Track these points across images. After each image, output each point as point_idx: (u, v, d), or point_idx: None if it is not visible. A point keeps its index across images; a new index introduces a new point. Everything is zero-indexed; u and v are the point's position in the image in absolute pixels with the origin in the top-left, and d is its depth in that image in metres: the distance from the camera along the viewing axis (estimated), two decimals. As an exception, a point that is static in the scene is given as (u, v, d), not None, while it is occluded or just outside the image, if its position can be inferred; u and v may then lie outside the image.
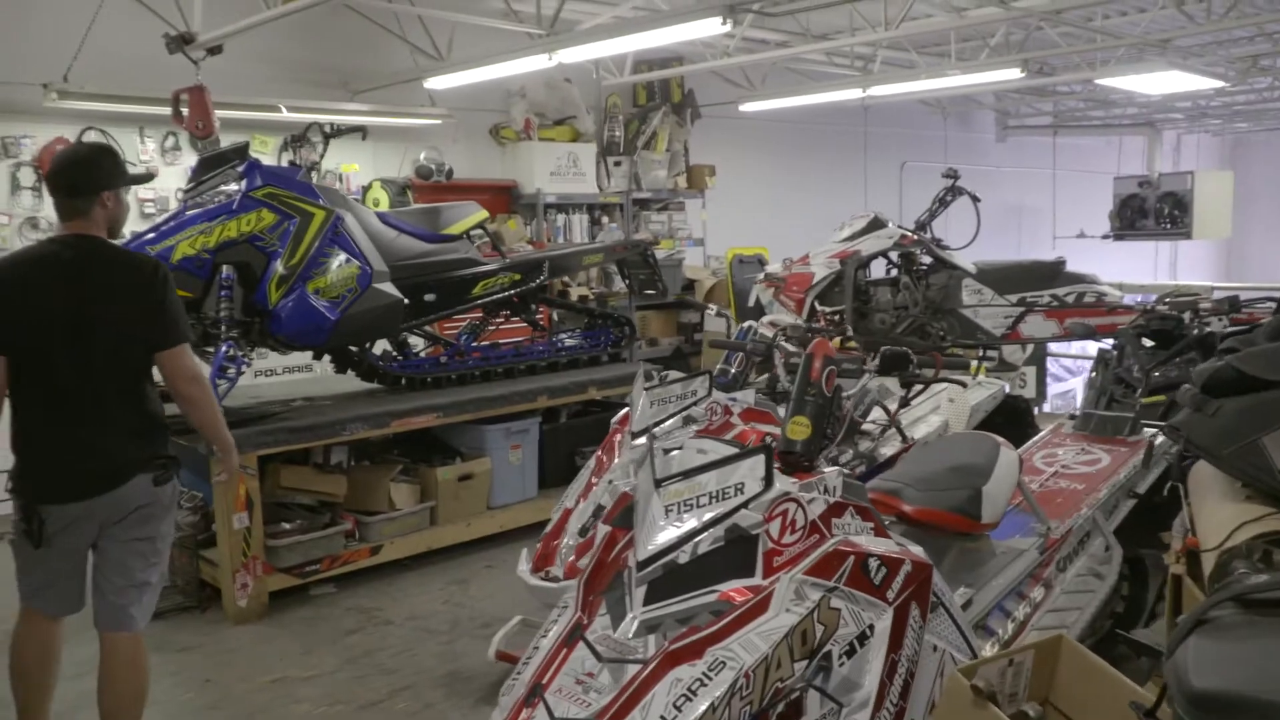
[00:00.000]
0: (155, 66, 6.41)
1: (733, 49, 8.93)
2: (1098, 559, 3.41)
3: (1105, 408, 4.83)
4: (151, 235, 4.79)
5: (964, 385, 3.53)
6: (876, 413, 4.06)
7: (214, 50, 6.02)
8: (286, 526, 5.06)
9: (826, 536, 2.34)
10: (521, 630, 4.12)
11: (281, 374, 7.33)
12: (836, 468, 2.51)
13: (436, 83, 7.82)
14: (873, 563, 2.29)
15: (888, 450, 4.15)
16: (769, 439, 3.91)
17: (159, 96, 6.30)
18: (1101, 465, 3.68)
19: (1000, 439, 3.16)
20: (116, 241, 3.31)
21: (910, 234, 6.91)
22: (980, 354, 6.76)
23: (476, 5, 7.67)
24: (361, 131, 5.59)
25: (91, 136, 7.24)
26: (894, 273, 7.13)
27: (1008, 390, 5.13)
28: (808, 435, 2.56)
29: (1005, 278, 6.69)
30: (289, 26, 6.71)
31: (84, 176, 3.17)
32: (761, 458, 2.32)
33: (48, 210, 7.06)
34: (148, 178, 4.10)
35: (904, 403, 3.59)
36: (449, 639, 4.59)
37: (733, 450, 2.41)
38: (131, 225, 7.13)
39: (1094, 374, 4.74)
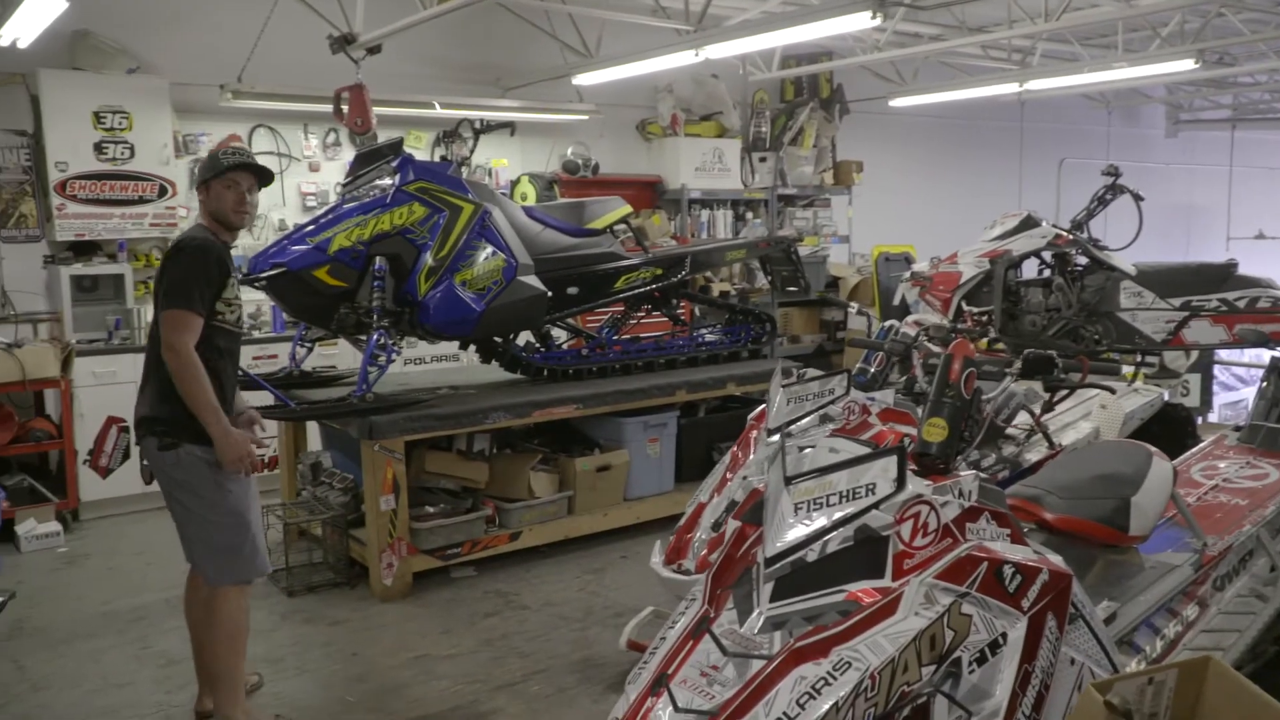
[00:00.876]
0: (319, 67, 6.76)
1: (883, 43, 8.75)
2: (1261, 579, 3.20)
3: (1277, 420, 4.52)
4: (312, 228, 5.03)
5: (1112, 391, 3.37)
6: (1023, 417, 3.93)
7: (373, 50, 6.28)
8: (430, 510, 5.24)
9: (960, 541, 2.28)
10: (653, 621, 4.16)
11: (430, 363, 7.60)
12: (973, 471, 2.44)
13: (585, 79, 7.95)
14: (1007, 570, 2.22)
15: (1033, 456, 4.01)
16: (907, 440, 3.86)
17: (322, 95, 6.65)
18: (1270, 481, 3.45)
19: (1152, 448, 3.01)
20: (243, 229, 3.79)
21: (1065, 233, 6.63)
22: (1138, 359, 6.47)
23: (626, 2, 7.76)
24: (510, 127, 5.74)
25: (261, 134, 7.69)
26: (1047, 273, 6.86)
27: (1166, 398, 4.86)
28: (944, 437, 2.50)
29: (1169, 280, 6.34)
30: (444, 26, 6.95)
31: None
32: (894, 458, 2.28)
33: (222, 203, 7.52)
34: (229, 167, 3.64)
35: (1048, 408, 3.45)
36: (582, 626, 4.68)
37: (865, 450, 2.37)
38: (294, 217, 7.62)
39: (1265, 384, 4.44)
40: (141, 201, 6.93)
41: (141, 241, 7.15)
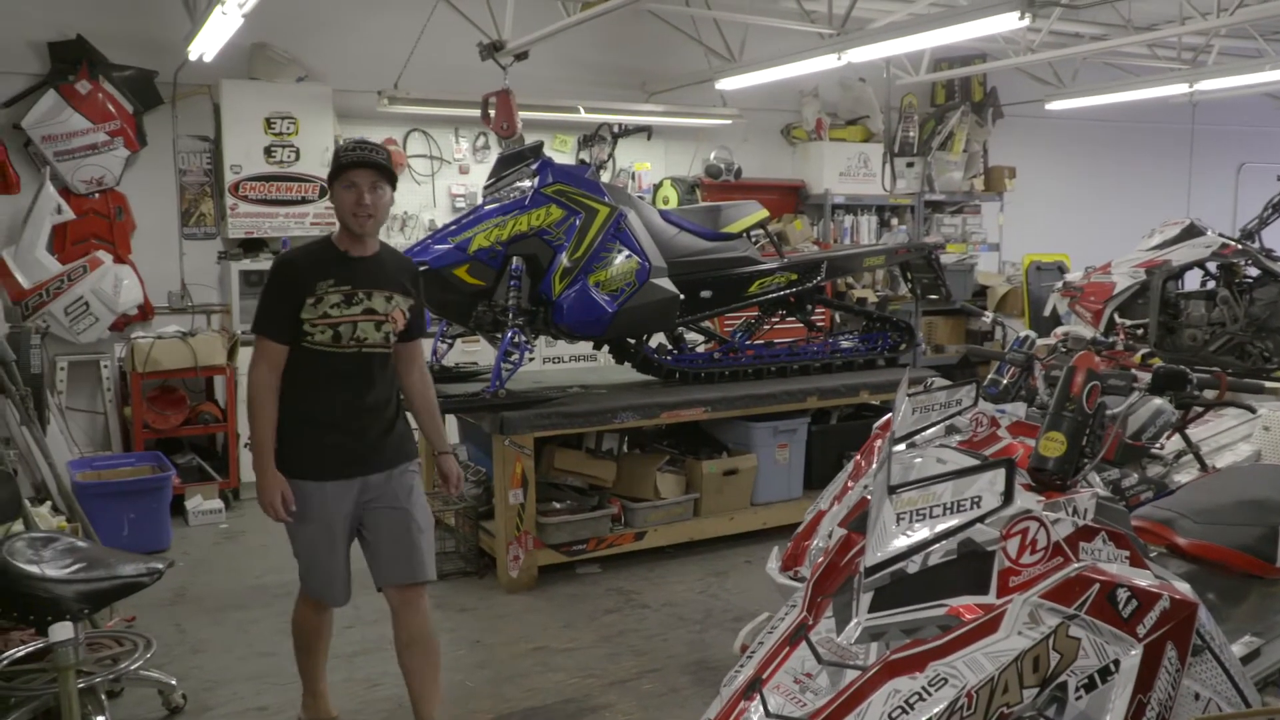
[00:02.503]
0: (470, 73, 7.00)
1: (1038, 44, 8.42)
2: None
3: None
4: (454, 227, 5.22)
5: (1253, 411, 3.15)
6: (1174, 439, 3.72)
7: (521, 56, 6.47)
8: (557, 506, 5.36)
9: (1072, 561, 2.19)
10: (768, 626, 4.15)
11: (568, 362, 7.76)
12: (1091, 489, 2.34)
13: (728, 83, 7.96)
14: (1121, 593, 2.11)
15: (1183, 478, 3.79)
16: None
17: (471, 100, 6.88)
18: None
19: (1307, 473, 2.81)
20: (367, 234, 3.28)
21: (1233, 243, 6.24)
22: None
23: (770, 6, 7.74)
24: (647, 131, 5.81)
25: (415, 138, 8.02)
26: (1211, 285, 6.47)
27: (1339, 422, 4.51)
28: (1061, 452, 2.39)
29: (1352, 295, 5.89)
30: (589, 31, 7.08)
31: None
32: (1002, 472, 2.20)
33: (376, 204, 7.88)
34: (353, 164, 3.24)
35: (1180, 426, 3.25)
36: (701, 628, 4.69)
37: (973, 461, 2.30)
38: (444, 217, 7.91)
39: None
40: (304, 202, 7.34)
41: (303, 239, 7.53)
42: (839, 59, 6.43)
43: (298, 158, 7.28)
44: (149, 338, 6.68)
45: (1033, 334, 4.87)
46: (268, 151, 7.20)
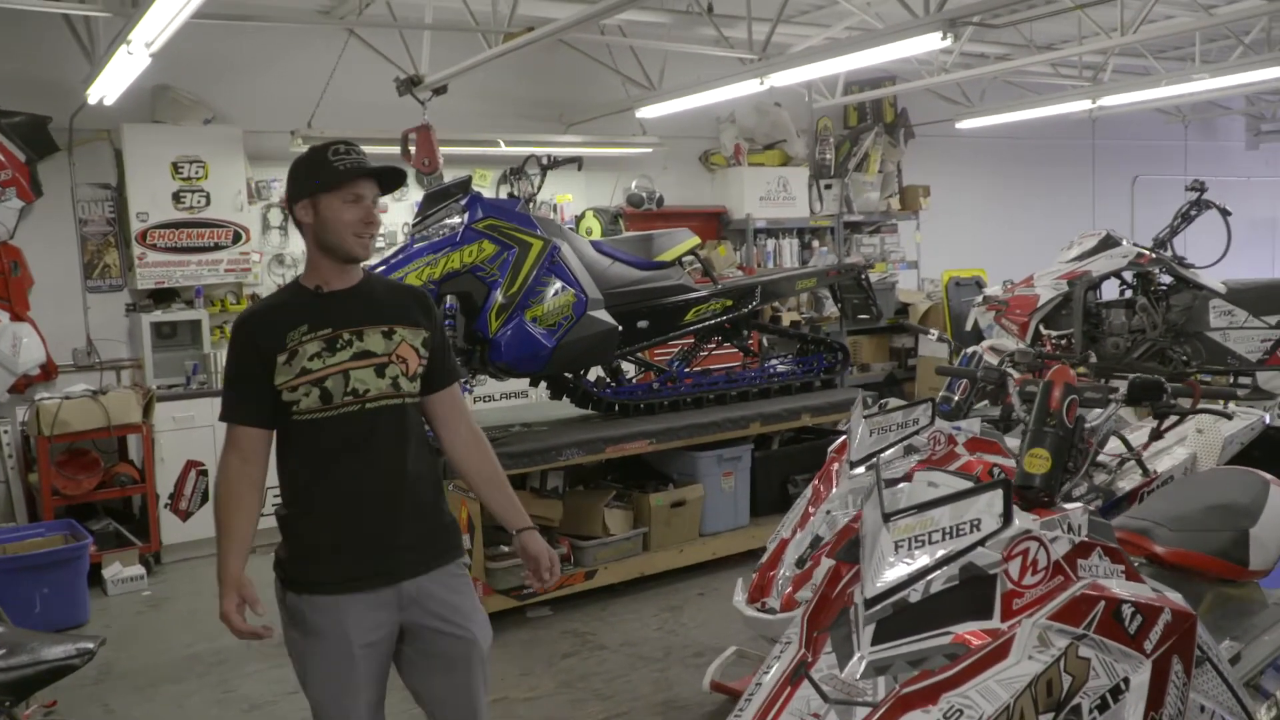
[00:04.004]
0: (386, 109, 6.85)
1: (949, 65, 8.62)
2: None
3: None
4: (383, 268, 5.06)
5: (1229, 417, 3.20)
6: (1114, 443, 3.76)
7: (439, 90, 6.35)
8: (505, 549, 5.20)
9: (1072, 579, 2.15)
10: (736, 661, 4.06)
11: (500, 400, 7.60)
12: (1080, 504, 2.31)
13: (648, 112, 7.95)
14: (1126, 609, 2.09)
15: (1125, 484, 3.83)
16: (996, 470, 3.71)
17: (390, 137, 6.72)
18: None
19: (1269, 476, 2.84)
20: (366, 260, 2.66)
21: (1148, 252, 6.42)
22: (1232, 381, 6.22)
23: (688, 34, 7.76)
24: (577, 162, 5.74)
25: (332, 177, 7.79)
26: (1129, 294, 6.65)
27: (1268, 421, 4.64)
28: (1047, 469, 2.37)
29: (1263, 297, 6.10)
30: (508, 64, 7.00)
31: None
32: (999, 492, 2.16)
33: (293, 248, 7.65)
34: (371, 172, 2.56)
35: (1156, 435, 3.29)
36: (663, 666, 4.58)
37: (967, 484, 2.26)
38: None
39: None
40: (217, 248, 7.06)
41: (217, 287, 7.28)
42: (761, 84, 6.47)
43: (208, 202, 7.01)
44: (55, 398, 6.32)
45: (980, 350, 4.94)
46: (176, 197, 6.91)
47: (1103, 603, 2.08)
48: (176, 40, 5.14)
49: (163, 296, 7.09)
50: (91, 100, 6.25)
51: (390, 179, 2.61)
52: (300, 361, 2.51)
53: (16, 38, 6.64)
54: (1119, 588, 2.13)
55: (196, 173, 6.96)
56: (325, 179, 2.52)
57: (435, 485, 2.69)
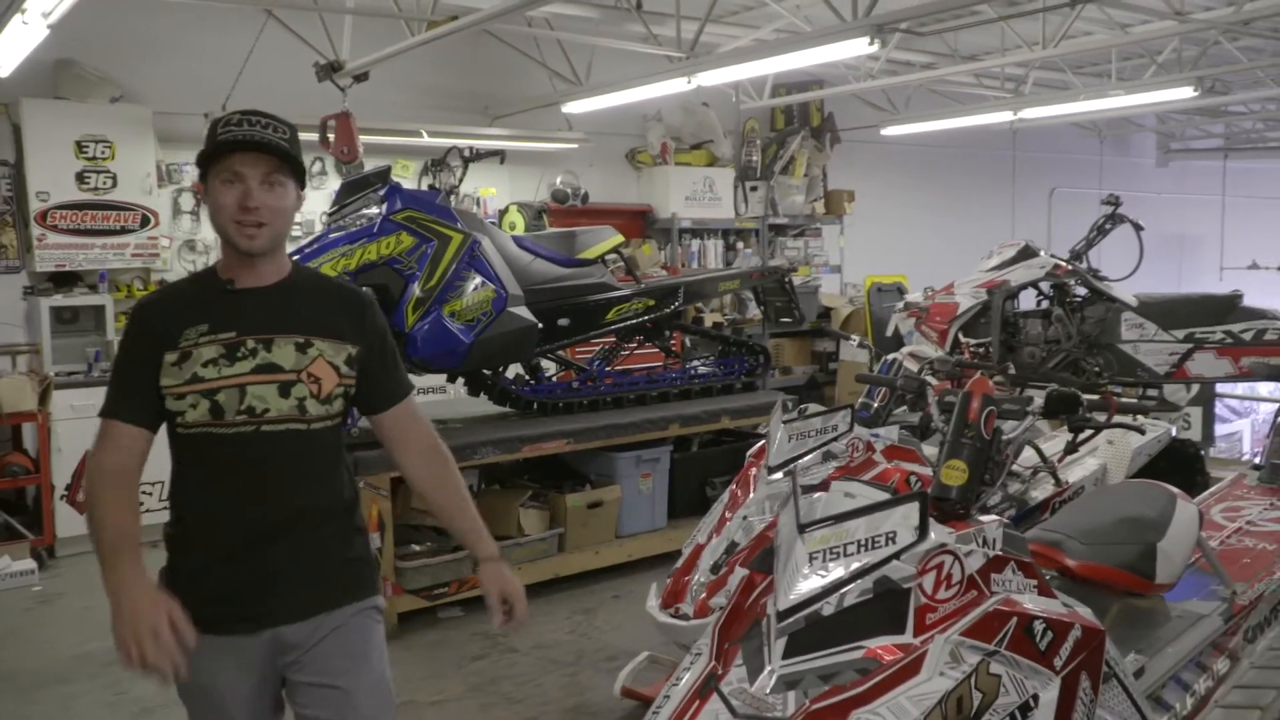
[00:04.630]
0: (305, 95, 6.63)
1: (876, 71, 8.70)
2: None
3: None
4: (297, 257, 4.86)
5: (1141, 432, 3.24)
6: (1027, 453, 3.79)
7: (360, 78, 6.18)
8: (416, 549, 5.08)
9: (985, 594, 2.14)
10: (649, 666, 4.00)
11: (417, 395, 7.43)
12: (996, 517, 2.30)
13: (574, 107, 7.86)
14: (1038, 625, 2.07)
15: (1038, 494, 3.87)
16: (913, 478, 3.72)
17: (308, 124, 6.49)
18: (1295, 523, 3.32)
19: (1176, 490, 2.88)
20: (261, 252, 2.21)
21: (1065, 264, 6.53)
22: (1141, 393, 6.36)
23: (616, 30, 7.68)
24: (500, 156, 5.63)
25: (246, 162, 7.54)
26: (1045, 304, 6.76)
27: (1174, 433, 4.75)
28: (964, 481, 2.35)
29: (1171, 311, 6.24)
30: (431, 54, 6.85)
31: None
32: (915, 505, 2.13)
33: (205, 233, 7.39)
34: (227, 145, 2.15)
35: (1071, 448, 3.32)
36: (574, 670, 4.50)
37: (884, 495, 2.23)
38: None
39: (1280, 420, 4.34)
40: (124, 231, 6.78)
41: (123, 272, 7.00)
42: (689, 82, 6.43)
43: (115, 184, 6.72)
44: (-57, 383, 5.99)
45: (900, 357, 4.96)
46: (80, 177, 6.61)
47: (1015, 619, 2.06)
48: (82, 14, 4.91)
49: (64, 280, 6.79)
50: (-14, 72, 5.94)
51: (279, 153, 2.15)
52: (192, 366, 2.15)
53: (-92, 2, 6.28)
54: (1031, 603, 2.12)
55: (102, 153, 6.68)
56: (206, 152, 2.16)
57: (341, 519, 2.31)
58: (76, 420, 6.33)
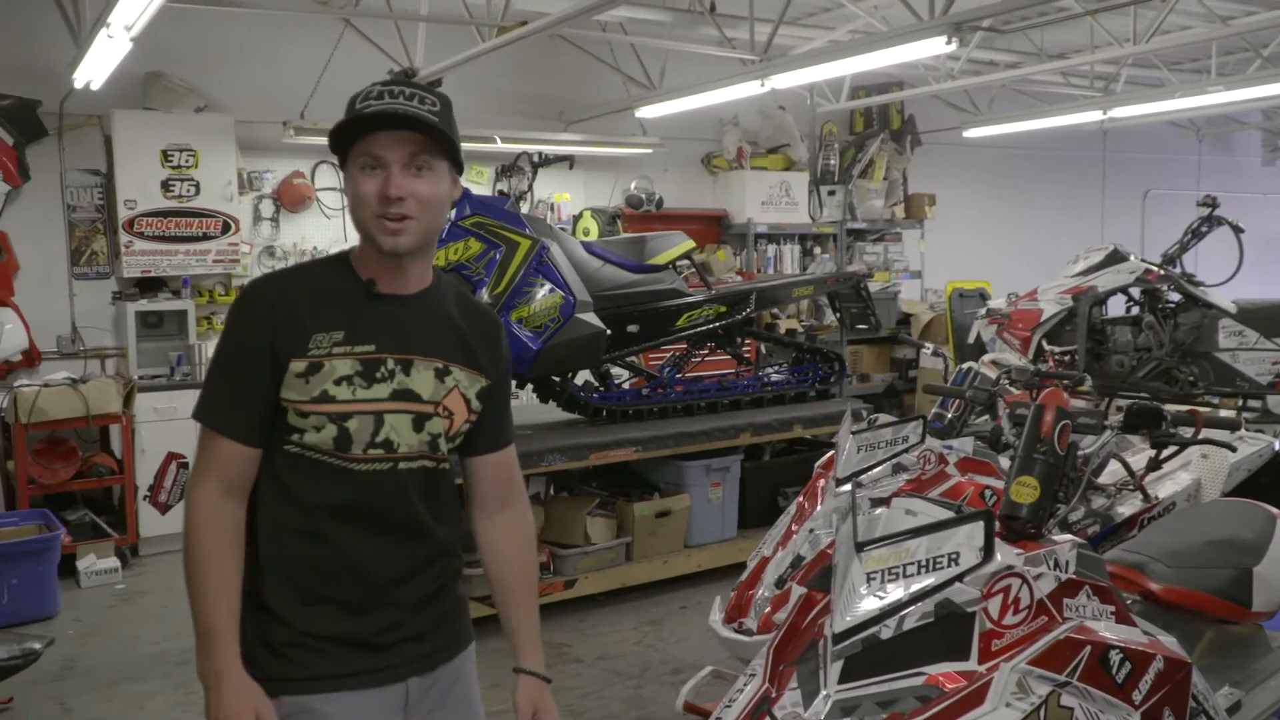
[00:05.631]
0: (381, 102, 6.69)
1: (957, 71, 8.46)
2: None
3: None
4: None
5: (1232, 449, 3.04)
6: (1112, 466, 3.60)
7: (434, 84, 6.20)
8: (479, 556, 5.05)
9: (1057, 620, 2.00)
10: (712, 682, 3.90)
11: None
12: (1070, 538, 2.16)
13: (648, 112, 7.81)
14: (1114, 655, 1.93)
15: (1125, 510, 3.68)
16: (988, 493, 3.56)
17: (384, 130, 6.57)
18: None
19: (1277, 510, 2.68)
20: (408, 252, 1.83)
21: (1156, 268, 6.25)
22: (1240, 404, 6.05)
23: (689, 33, 7.61)
24: (569, 161, 5.60)
25: (324, 170, 7.68)
26: (1136, 311, 6.48)
27: (1277, 448, 4.47)
28: (1035, 499, 2.22)
29: (1274, 318, 5.92)
30: (504, 59, 6.87)
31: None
32: (980, 524, 2.01)
33: (284, 239, 7.54)
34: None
35: (1154, 465, 3.14)
36: (638, 683, 4.43)
37: (947, 513, 2.11)
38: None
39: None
40: (205, 238, 6.94)
41: (205, 278, 7.16)
42: (763, 85, 6.32)
43: (198, 191, 6.88)
44: (35, 386, 6.19)
45: (975, 366, 4.78)
46: (165, 185, 6.79)
47: (1089, 647, 1.93)
48: (169, 26, 5.02)
49: (149, 285, 6.97)
50: (78, 84, 6.13)
51: (427, 129, 1.78)
52: (322, 382, 1.80)
53: (7, 19, 6.53)
54: (1108, 631, 1.98)
55: (186, 161, 6.84)
56: (341, 133, 1.80)
57: (455, 559, 2.06)
58: (159, 423, 6.50)
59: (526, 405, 6.68)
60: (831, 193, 9.57)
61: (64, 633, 5.09)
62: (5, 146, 6.47)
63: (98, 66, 5.74)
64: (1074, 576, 2.06)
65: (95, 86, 6.12)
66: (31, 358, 6.65)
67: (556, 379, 5.62)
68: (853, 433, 3.79)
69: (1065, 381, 3.58)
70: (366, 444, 1.83)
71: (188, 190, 6.87)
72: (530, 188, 5.62)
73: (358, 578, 1.89)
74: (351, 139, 1.79)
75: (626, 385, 6.17)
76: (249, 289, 1.87)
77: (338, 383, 1.81)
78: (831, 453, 4.02)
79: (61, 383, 6.27)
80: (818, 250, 9.57)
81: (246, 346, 1.82)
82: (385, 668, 1.91)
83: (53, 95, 6.61)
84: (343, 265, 1.90)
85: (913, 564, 2.03)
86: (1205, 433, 2.66)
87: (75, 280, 6.95)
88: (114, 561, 6.11)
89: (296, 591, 1.86)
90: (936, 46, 5.13)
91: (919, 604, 1.99)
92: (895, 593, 2.02)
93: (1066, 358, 6.37)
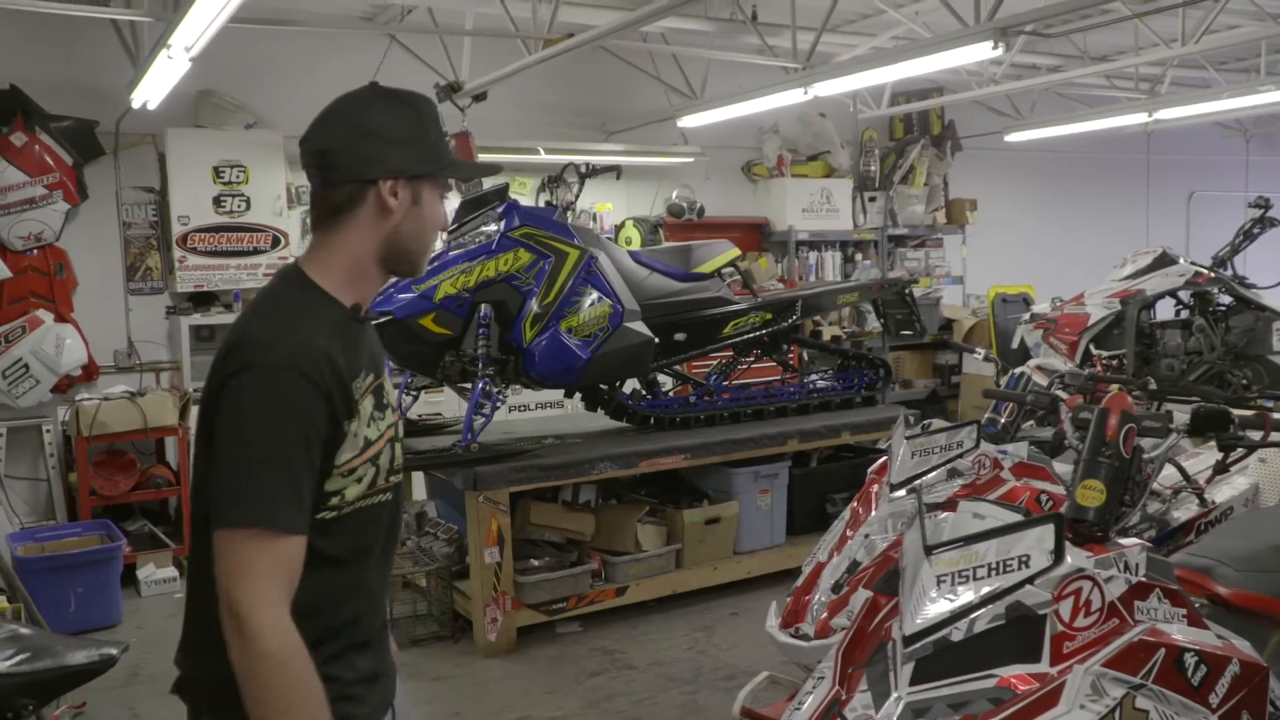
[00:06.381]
0: (427, 116, 6.79)
1: (999, 76, 8.43)
2: None
3: None
4: (418, 275, 4.98)
5: (1304, 450, 3.02)
6: (1168, 470, 3.58)
7: (479, 97, 6.31)
8: (535, 563, 5.11)
9: (1128, 623, 2.01)
10: (768, 687, 3.92)
11: (534, 409, 7.52)
12: (1137, 541, 2.17)
13: (689, 121, 7.86)
14: (1189, 658, 1.94)
15: (1181, 515, 3.65)
16: (1044, 498, 3.55)
17: (430, 144, 6.66)
18: None
19: (1342, 512, 2.67)
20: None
21: (1206, 271, 6.20)
22: (1293, 406, 5.98)
23: (731, 42, 7.65)
24: (616, 171, 5.65)
25: (371, 183, 7.77)
26: (1185, 314, 6.43)
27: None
28: (1101, 502, 2.23)
29: (1329, 320, 5.86)
30: (547, 72, 6.95)
31: (340, 147, 1.76)
32: (1050, 527, 2.03)
33: (332, 252, 7.65)
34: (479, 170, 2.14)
35: (1221, 468, 3.11)
36: (692, 689, 4.45)
37: (1015, 516, 2.12)
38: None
39: None
40: (256, 253, 7.06)
41: (255, 292, 7.28)
42: (805, 93, 6.35)
43: (248, 207, 7.01)
44: (95, 399, 6.34)
45: (1028, 371, 4.77)
46: (217, 201, 6.92)
47: (1163, 650, 1.93)
48: (218, 45, 5.13)
49: (202, 300, 7.11)
50: (135, 105, 6.28)
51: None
52: (363, 429, 1.71)
53: (66, 43, 6.70)
54: (1181, 634, 1.99)
55: (237, 177, 6.97)
56: (441, 155, 1.78)
57: None
58: (214, 434, 6.61)
59: (573, 414, 6.74)
60: (872, 199, 9.57)
61: (128, 640, 5.18)
62: (65, 166, 6.62)
63: (156, 87, 5.88)
64: (1144, 579, 2.07)
65: (152, 106, 6.27)
66: (90, 372, 6.80)
67: (604, 387, 5.67)
68: (906, 438, 3.80)
69: (1131, 386, 3.56)
70: (388, 472, 1.79)
71: (238, 205, 7.01)
72: (577, 199, 5.67)
73: (375, 611, 1.85)
74: (446, 169, 1.82)
75: (672, 393, 6.20)
76: (291, 353, 1.62)
77: (369, 424, 1.74)
78: (884, 458, 4.03)
79: (120, 396, 6.42)
80: (859, 257, 9.56)
81: (307, 422, 1.62)
82: (387, 697, 1.89)
83: (109, 116, 6.77)
84: (320, 293, 1.75)
85: (983, 566, 2.05)
86: (1273, 436, 2.64)
87: (130, 295, 7.10)
88: (172, 571, 6.22)
89: (329, 648, 1.73)
90: (982, 51, 5.13)
91: (990, 606, 2.01)
92: (966, 595, 2.04)
93: (1114, 362, 6.34)
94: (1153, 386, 3.61)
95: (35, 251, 6.61)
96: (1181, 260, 6.36)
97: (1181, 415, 2.55)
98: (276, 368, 1.61)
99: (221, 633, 1.58)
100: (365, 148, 1.74)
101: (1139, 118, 8.85)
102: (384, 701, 1.88)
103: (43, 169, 6.51)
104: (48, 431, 6.60)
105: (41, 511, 6.68)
